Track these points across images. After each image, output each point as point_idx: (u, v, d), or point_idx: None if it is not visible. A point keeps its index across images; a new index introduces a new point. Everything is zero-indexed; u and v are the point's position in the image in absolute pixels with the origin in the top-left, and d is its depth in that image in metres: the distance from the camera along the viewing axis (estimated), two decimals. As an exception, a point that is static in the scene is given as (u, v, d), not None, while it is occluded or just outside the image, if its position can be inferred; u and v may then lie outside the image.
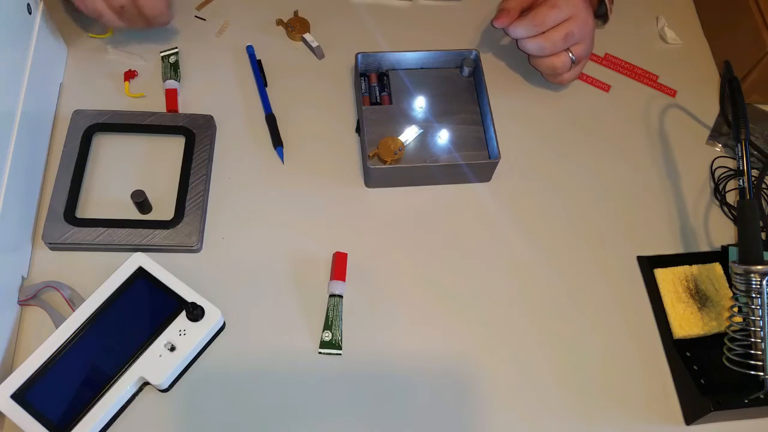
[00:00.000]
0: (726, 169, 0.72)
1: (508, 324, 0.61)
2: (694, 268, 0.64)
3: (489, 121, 0.67)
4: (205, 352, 0.57)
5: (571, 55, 0.68)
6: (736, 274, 0.56)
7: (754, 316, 0.55)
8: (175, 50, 0.72)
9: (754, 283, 0.55)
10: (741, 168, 0.59)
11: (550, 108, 0.74)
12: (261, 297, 0.60)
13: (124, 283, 0.57)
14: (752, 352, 0.54)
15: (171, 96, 0.69)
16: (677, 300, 0.62)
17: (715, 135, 0.74)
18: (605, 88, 0.77)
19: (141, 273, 0.58)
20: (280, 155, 0.68)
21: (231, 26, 0.75)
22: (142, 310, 0.56)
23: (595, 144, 0.72)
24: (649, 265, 0.65)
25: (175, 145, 0.66)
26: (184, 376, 0.56)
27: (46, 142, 0.66)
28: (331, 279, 0.61)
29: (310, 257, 0.62)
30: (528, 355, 0.60)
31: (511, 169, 0.69)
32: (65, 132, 0.64)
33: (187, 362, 0.56)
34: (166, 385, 0.55)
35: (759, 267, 0.55)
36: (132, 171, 0.65)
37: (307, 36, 0.75)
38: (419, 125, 0.69)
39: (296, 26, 0.75)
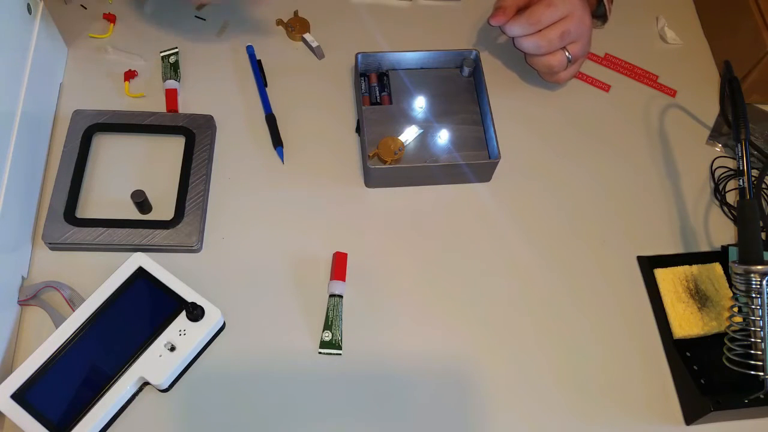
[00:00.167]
0: (726, 169, 0.72)
1: (508, 324, 0.61)
2: (694, 268, 0.64)
3: (489, 121, 0.67)
4: (205, 352, 0.57)
5: (567, 53, 0.68)
6: (736, 274, 0.56)
7: (754, 316, 0.55)
8: (175, 50, 0.72)
9: (754, 283, 0.55)
10: (741, 168, 0.59)
11: (550, 108, 0.74)
12: (261, 297, 0.60)
13: (124, 283, 0.57)
14: (752, 352, 0.54)
15: (171, 96, 0.69)
16: (677, 300, 0.62)
17: (715, 135, 0.74)
18: (605, 88, 0.77)
19: (141, 273, 0.58)
20: (280, 155, 0.68)
21: (231, 26, 0.75)
22: (142, 310, 0.56)
23: (595, 144, 0.72)
24: (649, 265, 0.65)
25: (175, 145, 0.66)
26: (184, 376, 0.56)
27: (46, 142, 0.66)
28: (331, 279, 0.61)
29: (310, 257, 0.62)
30: (528, 355, 0.60)
31: (511, 169, 0.69)
32: (65, 132, 0.64)
33: (187, 362, 0.56)
34: (166, 385, 0.55)
35: (759, 267, 0.55)
36: (132, 171, 0.65)
37: (307, 36, 0.75)
38: (419, 125, 0.69)
39: (296, 26, 0.75)
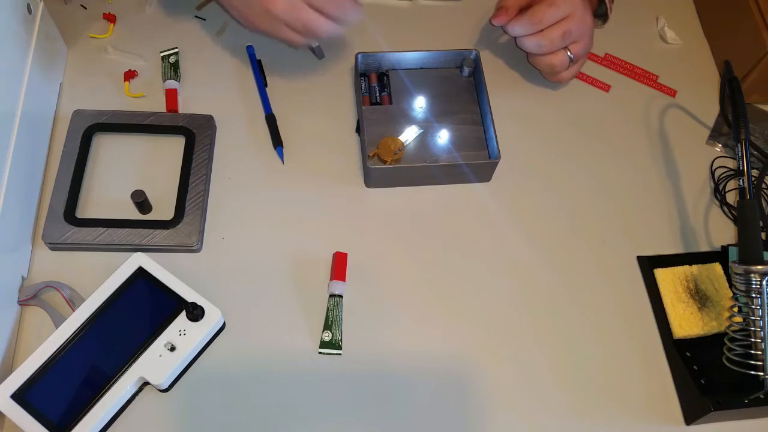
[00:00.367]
0: (726, 169, 0.72)
1: (508, 324, 0.61)
2: (694, 268, 0.64)
3: (489, 121, 0.67)
4: (205, 352, 0.57)
5: (569, 53, 0.68)
6: (736, 274, 0.56)
7: (754, 316, 0.55)
8: (175, 50, 0.72)
9: (754, 283, 0.55)
10: (741, 168, 0.59)
11: (551, 108, 0.74)
12: (261, 297, 0.60)
13: (124, 283, 0.57)
14: (752, 352, 0.54)
15: (171, 96, 0.69)
16: (677, 300, 0.62)
17: (715, 135, 0.74)
18: (605, 88, 0.77)
19: (141, 273, 0.58)
20: (280, 155, 0.68)
21: (231, 26, 0.75)
22: (142, 310, 0.56)
23: (595, 144, 0.72)
24: (649, 265, 0.65)
25: (175, 145, 0.66)
26: (184, 376, 0.56)
27: (46, 142, 0.66)
28: (331, 279, 0.61)
29: (310, 257, 0.62)
30: (528, 355, 0.60)
31: (511, 169, 0.69)
32: (65, 132, 0.64)
33: (187, 362, 0.56)
34: (166, 385, 0.55)
35: (759, 267, 0.55)
36: (132, 171, 0.65)
37: (307, 36, 0.75)
38: (419, 125, 0.69)
39: (296, 26, 0.75)
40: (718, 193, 0.70)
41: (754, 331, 0.54)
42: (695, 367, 0.59)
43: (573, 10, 0.66)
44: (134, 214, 0.62)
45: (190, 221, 0.61)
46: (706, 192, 0.71)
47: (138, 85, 0.71)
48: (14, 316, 0.57)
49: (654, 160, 0.72)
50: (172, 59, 0.72)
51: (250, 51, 0.74)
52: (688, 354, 0.60)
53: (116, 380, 0.53)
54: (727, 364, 0.56)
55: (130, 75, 0.70)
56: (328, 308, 0.59)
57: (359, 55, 0.70)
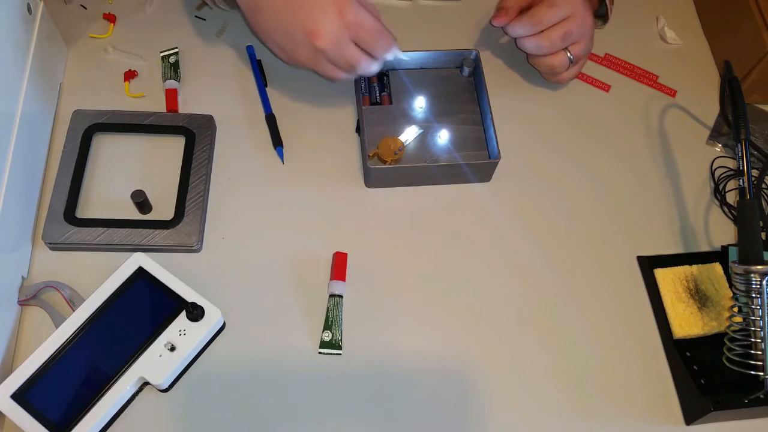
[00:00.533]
0: (726, 169, 0.72)
1: (508, 324, 0.61)
2: (694, 268, 0.64)
3: (489, 121, 0.67)
4: (205, 352, 0.57)
5: (569, 54, 0.68)
6: (736, 274, 0.56)
7: (754, 316, 0.55)
8: (175, 50, 0.72)
9: (754, 283, 0.55)
10: (741, 168, 0.59)
11: (550, 108, 0.74)
12: (261, 297, 0.60)
13: (124, 283, 0.57)
14: (752, 352, 0.54)
15: (171, 96, 0.69)
16: (677, 300, 0.62)
17: (715, 135, 0.74)
18: (605, 88, 0.77)
19: (141, 273, 0.58)
20: (280, 155, 0.68)
21: (231, 26, 0.75)
22: (142, 310, 0.56)
23: (595, 144, 0.72)
24: (649, 265, 0.65)
25: (175, 145, 0.66)
26: (184, 376, 0.56)
27: (46, 142, 0.66)
28: (331, 279, 0.61)
29: (310, 257, 0.62)
30: (528, 355, 0.60)
31: (511, 169, 0.69)
32: (65, 132, 0.64)
33: (187, 362, 0.56)
34: (166, 385, 0.55)
35: (759, 267, 0.55)
36: (132, 171, 0.65)
37: (307, 36, 0.75)
38: (419, 125, 0.69)
39: (296, 26, 0.75)
40: (718, 193, 0.70)
41: (754, 331, 0.54)
42: (695, 367, 0.59)
43: (573, 11, 0.66)
44: (134, 214, 0.62)
45: (190, 221, 0.61)
46: (706, 192, 0.71)
47: (138, 85, 0.71)
48: (14, 316, 0.57)
49: (654, 160, 0.72)
50: (172, 59, 0.72)
51: (250, 51, 0.74)
52: (688, 354, 0.60)
53: (116, 380, 0.53)
54: (727, 364, 0.56)
55: (130, 75, 0.70)
56: (328, 308, 0.59)
57: (359, 55, 0.70)
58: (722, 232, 0.68)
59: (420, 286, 0.62)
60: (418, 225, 0.65)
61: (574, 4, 0.66)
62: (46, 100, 0.67)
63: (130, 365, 0.54)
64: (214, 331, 0.57)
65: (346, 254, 0.62)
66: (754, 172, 0.69)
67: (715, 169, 0.72)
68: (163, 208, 0.63)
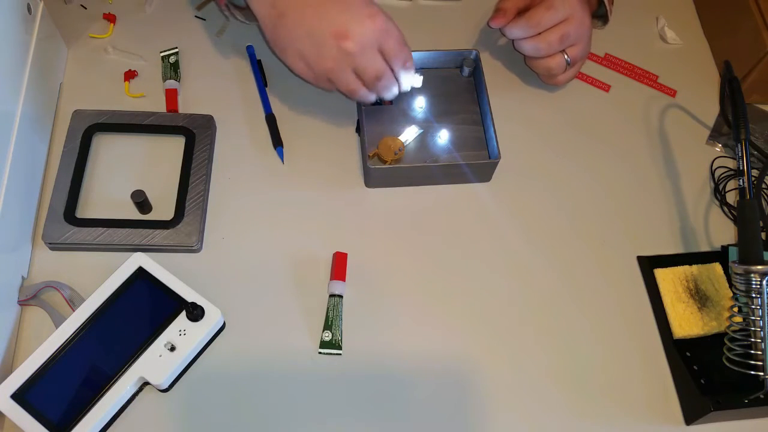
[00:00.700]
0: (726, 169, 0.72)
1: (508, 324, 0.61)
2: (694, 268, 0.64)
3: (489, 121, 0.67)
4: (205, 352, 0.57)
5: (566, 56, 0.68)
6: (736, 274, 0.56)
7: (754, 316, 0.55)
8: (175, 50, 0.72)
9: (754, 283, 0.55)
10: (741, 168, 0.59)
11: (550, 108, 0.74)
12: (261, 297, 0.60)
13: (124, 283, 0.57)
14: (752, 352, 0.54)
15: (171, 96, 0.69)
16: (677, 300, 0.62)
17: (715, 135, 0.74)
18: (605, 88, 0.77)
19: (141, 273, 0.58)
20: (280, 155, 0.68)
21: (231, 26, 0.75)
22: (142, 310, 0.56)
23: (595, 144, 0.72)
24: (649, 265, 0.65)
25: (175, 145, 0.66)
26: (184, 376, 0.56)
27: (46, 142, 0.66)
28: (331, 279, 0.61)
29: (310, 257, 0.62)
30: (528, 355, 0.60)
31: (511, 169, 0.69)
32: (65, 132, 0.64)
33: (187, 362, 0.56)
34: (166, 385, 0.55)
35: (759, 267, 0.55)
36: (132, 171, 0.65)
37: (307, 36, 0.75)
38: (419, 125, 0.69)
39: (296, 26, 0.75)
40: (718, 193, 0.70)
41: (754, 331, 0.54)
42: (695, 367, 0.59)
43: (571, 13, 0.66)
44: (134, 214, 0.62)
45: (190, 221, 0.61)
46: (706, 192, 0.71)
47: (138, 85, 0.71)
48: (14, 316, 0.57)
49: (654, 160, 0.72)
50: (172, 59, 0.72)
51: (250, 51, 0.74)
52: (688, 354, 0.60)
53: (116, 380, 0.53)
54: (727, 364, 0.56)
55: (130, 75, 0.70)
56: (328, 308, 0.59)
57: (359, 55, 0.70)
58: (722, 232, 0.68)
59: (420, 286, 0.62)
60: (418, 225, 0.65)
61: (572, 6, 0.66)
62: (46, 100, 0.67)
63: (130, 365, 0.54)
64: (214, 331, 0.57)
65: (346, 254, 0.62)
66: (754, 172, 0.69)
67: (715, 169, 0.72)
68: (163, 208, 0.63)
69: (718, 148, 0.74)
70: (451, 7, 0.81)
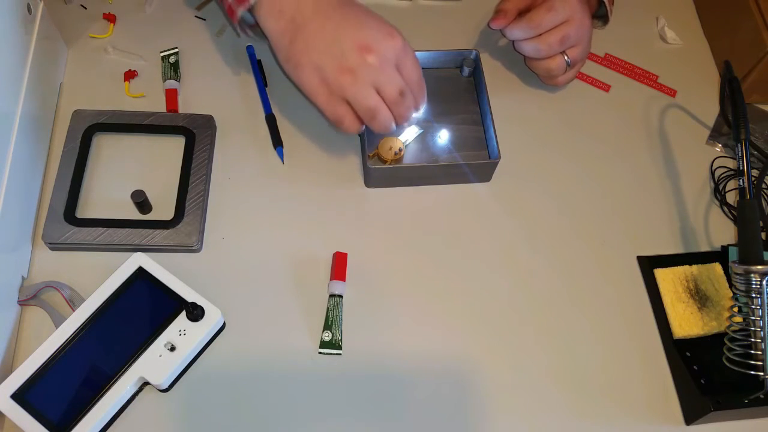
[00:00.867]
0: (726, 169, 0.72)
1: (508, 324, 0.61)
2: (694, 268, 0.64)
3: (489, 121, 0.67)
4: (205, 352, 0.57)
5: (566, 58, 0.68)
6: (736, 274, 0.56)
7: (754, 316, 0.55)
8: (175, 50, 0.72)
9: (754, 283, 0.55)
10: (741, 168, 0.59)
11: (550, 108, 0.74)
12: (261, 297, 0.60)
13: (124, 283, 0.57)
14: (752, 352, 0.54)
15: (171, 96, 0.69)
16: (677, 300, 0.62)
17: (715, 135, 0.74)
18: (605, 88, 0.77)
19: (141, 273, 0.58)
20: (280, 155, 0.68)
21: (230, 26, 0.75)
22: (142, 310, 0.56)
23: (595, 144, 0.72)
24: (649, 265, 0.65)
25: (175, 145, 0.66)
26: (184, 376, 0.56)
27: (46, 142, 0.66)
28: (331, 279, 0.61)
29: (310, 257, 0.62)
30: (528, 355, 0.60)
31: (511, 169, 0.69)
32: (65, 132, 0.64)
33: (187, 362, 0.56)
34: (166, 385, 0.55)
35: (759, 267, 0.55)
36: (132, 171, 0.65)
37: (307, 36, 0.75)
38: (419, 125, 0.69)
39: (296, 26, 0.75)
40: (718, 193, 0.70)
41: (754, 331, 0.54)
42: (695, 367, 0.59)
43: (571, 15, 0.66)
44: (134, 214, 0.62)
45: (190, 221, 0.61)
46: (706, 192, 0.71)
47: (138, 85, 0.71)
48: (14, 316, 0.57)
49: (654, 160, 0.72)
50: (172, 59, 0.72)
51: (250, 51, 0.74)
52: (688, 354, 0.60)
53: (116, 380, 0.53)
54: (727, 364, 0.56)
55: (130, 75, 0.70)
56: (328, 308, 0.59)
57: (359, 55, 0.70)
58: (722, 232, 0.68)
59: (420, 286, 0.62)
60: (418, 225, 0.65)
61: (573, 7, 0.66)
62: (46, 100, 0.67)
63: (130, 365, 0.54)
64: (214, 331, 0.57)
65: (346, 254, 0.62)
66: (754, 172, 0.69)
67: (715, 169, 0.72)
68: (163, 208, 0.63)
69: (718, 148, 0.74)
70: (451, 7, 0.81)
